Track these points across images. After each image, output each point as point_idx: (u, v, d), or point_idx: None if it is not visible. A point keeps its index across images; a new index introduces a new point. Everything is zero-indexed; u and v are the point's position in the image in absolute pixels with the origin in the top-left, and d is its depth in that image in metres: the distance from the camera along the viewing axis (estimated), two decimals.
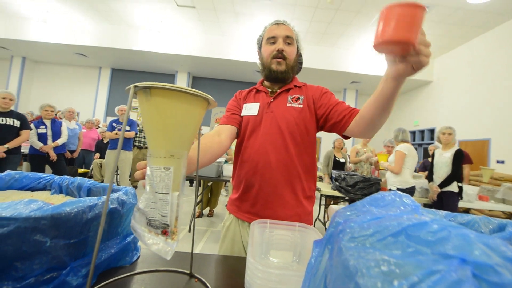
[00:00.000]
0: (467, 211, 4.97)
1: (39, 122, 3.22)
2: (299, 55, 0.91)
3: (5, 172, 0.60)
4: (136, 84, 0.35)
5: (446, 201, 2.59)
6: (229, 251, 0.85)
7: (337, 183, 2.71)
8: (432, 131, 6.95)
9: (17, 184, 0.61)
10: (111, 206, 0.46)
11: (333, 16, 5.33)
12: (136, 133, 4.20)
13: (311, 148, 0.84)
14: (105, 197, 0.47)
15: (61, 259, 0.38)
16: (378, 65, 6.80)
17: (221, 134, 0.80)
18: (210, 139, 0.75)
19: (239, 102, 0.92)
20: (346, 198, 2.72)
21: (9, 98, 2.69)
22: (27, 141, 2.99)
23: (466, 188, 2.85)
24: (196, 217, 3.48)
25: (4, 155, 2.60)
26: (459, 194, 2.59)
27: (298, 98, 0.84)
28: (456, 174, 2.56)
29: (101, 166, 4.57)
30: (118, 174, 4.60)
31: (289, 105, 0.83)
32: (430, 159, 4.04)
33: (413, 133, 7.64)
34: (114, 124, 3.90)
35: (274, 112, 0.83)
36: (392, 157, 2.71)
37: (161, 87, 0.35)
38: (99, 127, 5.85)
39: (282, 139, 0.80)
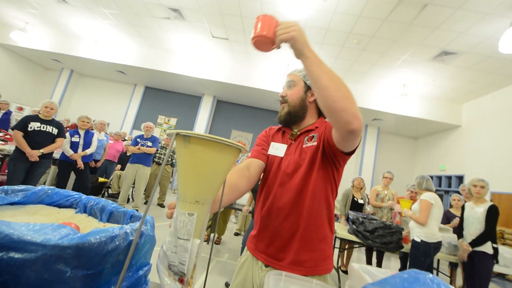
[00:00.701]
0: (502, 276, 4.39)
1: (74, 131, 3.48)
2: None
3: (40, 187, 0.64)
4: (178, 131, 0.37)
5: (478, 263, 2.31)
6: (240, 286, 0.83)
7: (354, 226, 2.55)
8: (460, 178, 6.49)
9: (47, 199, 0.64)
10: (131, 238, 0.47)
11: (359, 55, 5.48)
12: (157, 150, 4.36)
13: (328, 187, 0.80)
14: (126, 226, 0.48)
15: None
16: (402, 105, 6.71)
17: (250, 169, 0.82)
18: (239, 174, 0.77)
19: (268, 139, 0.95)
20: (364, 243, 2.53)
21: (50, 107, 2.95)
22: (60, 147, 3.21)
23: (502, 250, 2.55)
24: (204, 240, 3.39)
25: (38, 159, 2.79)
26: (494, 256, 2.31)
27: (313, 137, 0.84)
28: (490, 233, 2.31)
29: (119, 178, 4.73)
30: (134, 187, 4.71)
31: (304, 146, 0.84)
32: (451, 209, 3.73)
33: (439, 178, 7.19)
34: (138, 139, 4.10)
35: (293, 155, 0.84)
36: (416, 205, 2.52)
37: (200, 137, 0.37)
38: (125, 139, 6.17)
39: (299, 182, 0.79)
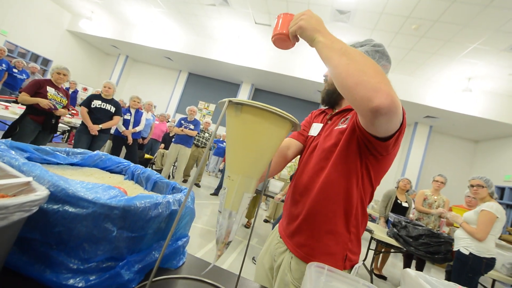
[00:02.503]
0: None
1: (126, 110, 3.83)
2: None
3: (95, 152, 0.68)
4: (230, 99, 0.35)
5: None
6: (264, 252, 0.89)
7: (395, 230, 2.34)
8: None
9: (101, 164, 0.69)
10: (173, 208, 0.47)
11: (416, 43, 4.86)
12: (198, 133, 4.56)
13: (352, 177, 0.69)
14: (169, 196, 0.48)
15: (121, 250, 0.39)
16: (463, 102, 5.82)
17: (290, 149, 0.85)
18: (281, 153, 0.82)
19: (311, 120, 0.93)
20: (404, 249, 2.31)
21: (108, 87, 3.25)
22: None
23: None
24: (246, 226, 3.51)
25: (97, 133, 3.14)
26: None
27: (346, 119, 0.74)
28: None
29: (163, 156, 5.10)
30: (175, 166, 5.04)
31: (336, 128, 0.75)
32: None
33: (502, 189, 6.19)
34: (182, 122, 4.33)
35: (322, 135, 0.79)
36: (472, 214, 2.14)
37: (253, 105, 0.34)
38: (169, 121, 6.59)
39: (318, 164, 0.74)
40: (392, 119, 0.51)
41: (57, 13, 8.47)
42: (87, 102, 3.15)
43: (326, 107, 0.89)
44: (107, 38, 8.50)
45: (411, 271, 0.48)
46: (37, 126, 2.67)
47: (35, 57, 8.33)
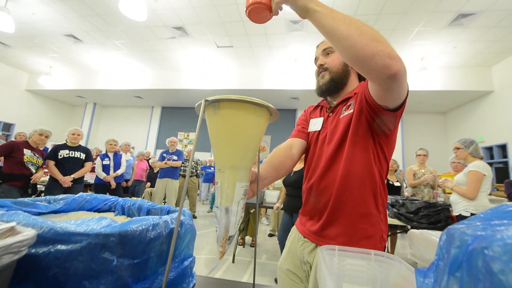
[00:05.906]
0: None
1: (104, 155, 3.68)
2: None
3: (79, 194, 0.65)
4: (207, 98, 0.36)
5: None
6: (284, 258, 0.88)
7: (394, 210, 2.39)
8: (503, 147, 5.92)
9: (87, 205, 0.65)
10: (171, 226, 0.45)
11: None
12: (183, 163, 4.47)
13: (370, 157, 0.71)
14: (166, 216, 0.47)
15: (125, 280, 0.37)
16: (422, 80, 6.30)
17: (293, 148, 0.85)
18: (283, 153, 0.80)
19: (307, 117, 0.94)
20: (409, 227, 2.35)
21: (77, 134, 3.14)
22: (92, 172, 3.38)
23: None
24: (239, 244, 3.38)
25: (71, 184, 2.92)
26: None
27: (350, 105, 0.76)
28: None
29: (151, 195, 4.90)
30: (165, 202, 4.85)
31: (341, 116, 0.77)
32: None
33: None
34: (164, 155, 4.24)
35: (327, 128, 0.80)
36: (461, 176, 2.25)
37: (230, 99, 0.35)
38: (150, 158, 6.42)
39: (331, 154, 0.75)
40: (404, 84, 0.56)
41: (13, 75, 8.22)
42: (52, 154, 2.94)
43: (321, 100, 0.92)
44: (70, 89, 8.32)
45: (415, 230, 0.49)
46: (18, 191, 2.70)
47: None
